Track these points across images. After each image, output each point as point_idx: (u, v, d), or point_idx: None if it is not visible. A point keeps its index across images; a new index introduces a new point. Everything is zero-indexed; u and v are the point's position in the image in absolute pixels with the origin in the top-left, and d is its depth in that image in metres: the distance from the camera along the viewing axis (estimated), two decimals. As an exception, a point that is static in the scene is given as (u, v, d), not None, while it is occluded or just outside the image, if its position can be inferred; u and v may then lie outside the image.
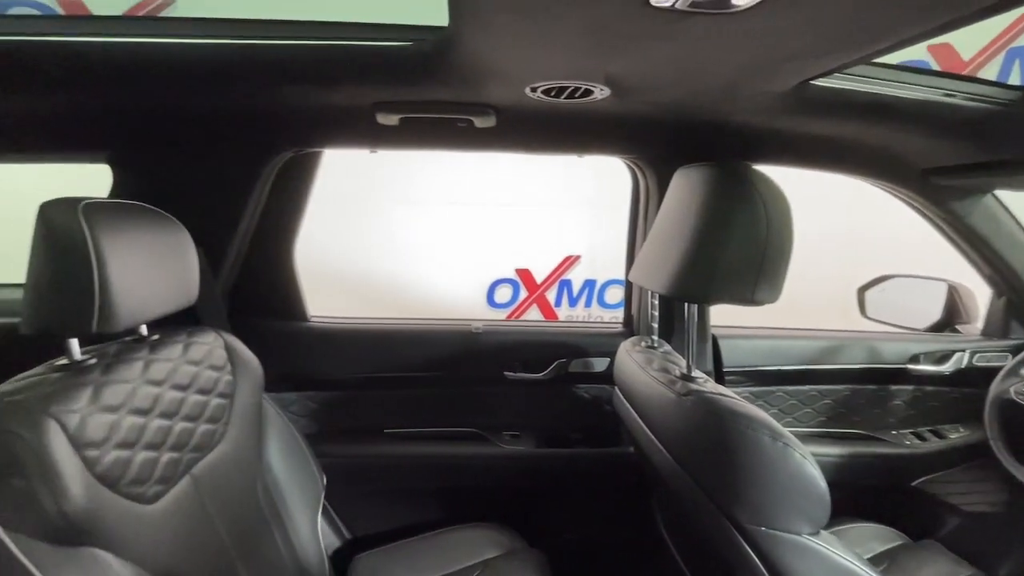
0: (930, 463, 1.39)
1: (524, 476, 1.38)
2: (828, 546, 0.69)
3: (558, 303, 3.20)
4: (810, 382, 1.45)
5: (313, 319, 1.38)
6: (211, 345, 0.98)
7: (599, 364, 1.39)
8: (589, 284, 3.22)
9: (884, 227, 2.41)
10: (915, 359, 1.41)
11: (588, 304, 3.23)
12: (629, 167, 1.30)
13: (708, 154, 1.04)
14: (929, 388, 1.43)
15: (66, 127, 1.10)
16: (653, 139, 1.16)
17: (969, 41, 2.44)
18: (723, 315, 1.29)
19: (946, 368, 1.38)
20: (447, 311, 2.97)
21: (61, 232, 0.70)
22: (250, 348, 1.03)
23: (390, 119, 0.97)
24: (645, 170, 1.24)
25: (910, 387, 1.44)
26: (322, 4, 0.99)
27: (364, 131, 1.08)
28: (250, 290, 1.27)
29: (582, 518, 1.42)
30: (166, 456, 0.82)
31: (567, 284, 3.23)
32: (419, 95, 0.92)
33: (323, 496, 1.17)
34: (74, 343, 0.76)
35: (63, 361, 0.76)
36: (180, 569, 0.78)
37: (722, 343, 1.40)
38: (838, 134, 1.05)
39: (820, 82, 0.81)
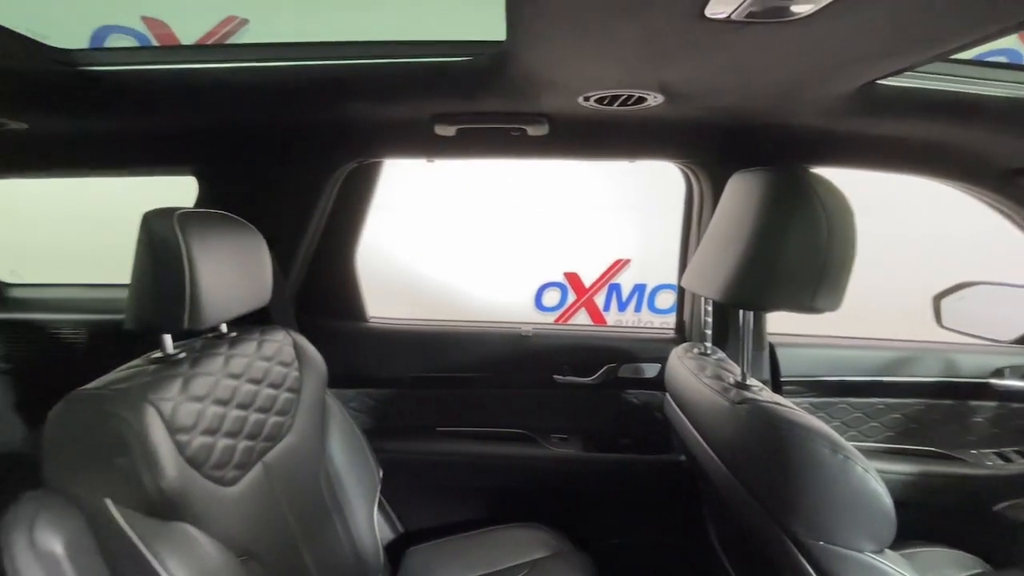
0: (1016, 486, 1.28)
1: (572, 479, 1.38)
2: (894, 567, 0.66)
3: (607, 307, 3.17)
4: (878, 395, 1.37)
5: (372, 320, 1.45)
6: (281, 343, 1.06)
7: (650, 370, 1.38)
8: (639, 288, 3.17)
9: (966, 231, 2.23)
10: (999, 373, 1.30)
11: (638, 309, 3.18)
12: (682, 171, 1.28)
13: (766, 158, 1.01)
14: (1015, 405, 1.32)
15: (159, 145, 1.22)
16: (707, 143, 1.15)
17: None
18: (784, 324, 1.24)
19: None
20: (494, 314, 3.01)
21: (159, 239, 0.79)
22: (314, 346, 1.10)
23: (447, 130, 1.02)
24: (699, 174, 1.22)
25: (993, 403, 1.33)
26: (385, 22, 1.05)
27: (422, 142, 1.13)
28: (315, 292, 1.35)
29: (630, 524, 1.41)
30: (242, 444, 0.89)
31: (616, 288, 3.19)
32: (475, 107, 0.96)
33: (379, 489, 1.23)
34: (167, 338, 0.85)
35: (158, 354, 0.85)
36: (253, 548, 0.85)
37: (780, 351, 1.35)
38: (910, 134, 1.00)
39: (889, 81, 0.78)
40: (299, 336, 1.11)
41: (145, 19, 2.55)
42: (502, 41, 0.73)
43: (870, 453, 1.37)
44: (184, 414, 0.77)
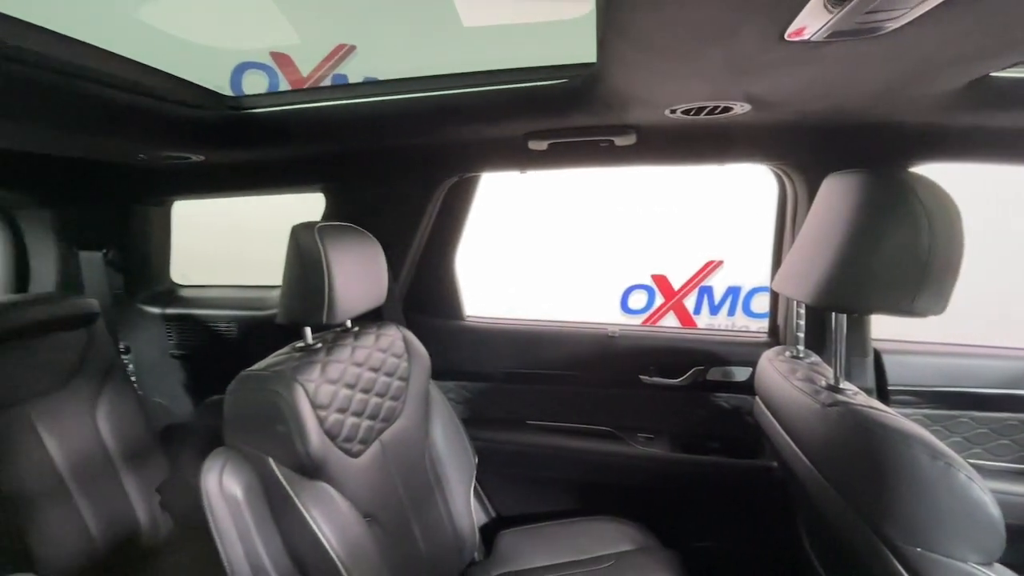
0: None
1: (659, 477, 1.41)
2: (1002, 579, 0.63)
3: (697, 310, 3.08)
4: (1010, 409, 1.24)
5: (469, 318, 1.58)
6: (393, 337, 1.21)
7: (740, 373, 1.37)
8: (733, 291, 3.05)
9: None
10: None
11: (732, 312, 3.06)
12: (775, 173, 1.26)
13: (864, 157, 0.98)
14: None
15: (296, 168, 1.44)
16: (799, 145, 1.13)
17: None
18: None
19: None
20: (578, 317, 3.05)
21: (304, 247, 0.96)
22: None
23: (539, 145, 1.11)
24: (792, 176, 1.20)
25: None
26: (484, 49, 1.16)
27: (517, 156, 1.23)
28: (420, 293, 1.51)
29: (718, 527, 1.40)
30: (365, 422, 1.05)
31: (707, 291, 3.10)
32: (565, 123, 1.04)
33: (475, 474, 1.34)
34: (308, 331, 1.02)
35: (301, 344, 1.03)
36: (374, 512, 0.99)
37: (887, 359, 1.27)
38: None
39: (1004, 73, 0.74)
40: (407, 331, 1.25)
41: (272, 53, 2.92)
42: (592, 63, 0.80)
43: (999, 473, 1.25)
44: (323, 394, 0.93)
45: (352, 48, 2.83)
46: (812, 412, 0.81)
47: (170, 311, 1.66)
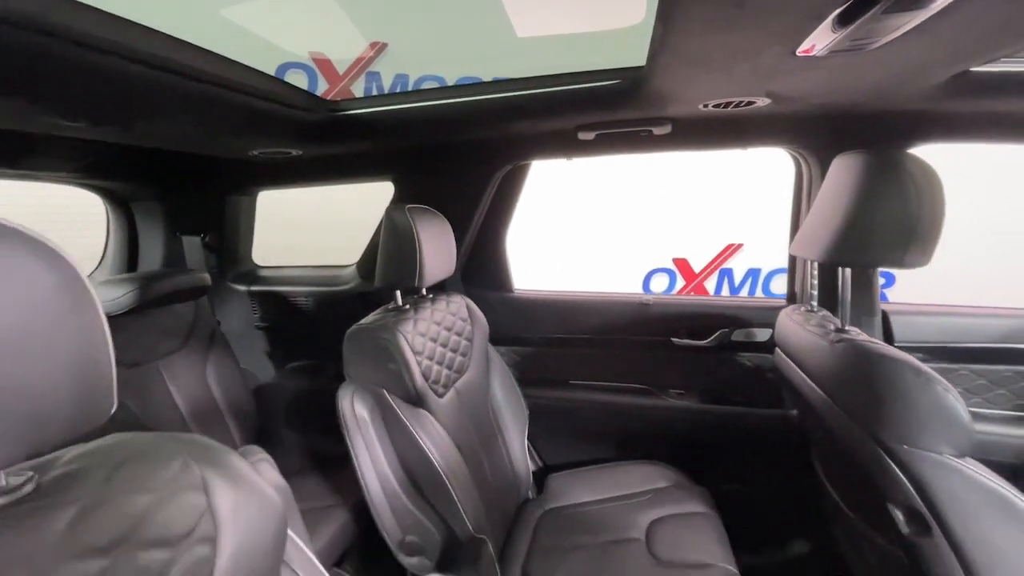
0: None
1: (689, 426, 1.60)
2: (973, 468, 0.81)
3: (718, 292, 3.22)
4: (1006, 362, 1.40)
5: (517, 290, 1.78)
6: (459, 304, 1.42)
7: (762, 335, 1.55)
8: (753, 273, 3.18)
9: None
10: None
11: (752, 293, 3.20)
12: (792, 156, 1.44)
13: (867, 140, 1.16)
14: None
15: (371, 160, 1.65)
16: (813, 131, 1.30)
17: None
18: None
19: None
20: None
21: (400, 224, 1.17)
22: None
23: (587, 135, 1.30)
24: (807, 158, 1.37)
25: None
26: (538, 57, 1.35)
27: (566, 146, 1.43)
28: (476, 267, 1.72)
29: (743, 469, 1.59)
30: (445, 371, 1.26)
31: (728, 273, 3.23)
32: (612, 116, 1.23)
33: (527, 425, 1.55)
34: (399, 294, 1.23)
35: (392, 306, 1.24)
36: (459, 442, 1.20)
37: (894, 319, 1.44)
38: (1013, 109, 1.08)
39: (981, 68, 0.91)
40: (469, 300, 1.47)
41: (311, 53, 3.12)
42: (640, 67, 0.99)
43: (996, 419, 1.41)
44: (417, 343, 1.15)
45: (384, 45, 3.02)
46: (822, 349, 1.00)
47: (254, 288, 1.90)
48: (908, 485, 0.84)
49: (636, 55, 0.98)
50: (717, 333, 1.58)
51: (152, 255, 1.76)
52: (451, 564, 1.07)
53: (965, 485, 0.81)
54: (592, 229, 3.23)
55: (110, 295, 1.31)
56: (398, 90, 2.30)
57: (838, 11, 0.58)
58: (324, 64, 3.17)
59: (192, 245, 1.76)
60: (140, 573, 0.41)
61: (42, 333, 0.37)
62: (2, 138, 1.15)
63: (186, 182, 1.68)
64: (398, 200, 1.66)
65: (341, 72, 2.95)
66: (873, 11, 0.55)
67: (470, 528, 1.05)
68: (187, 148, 1.40)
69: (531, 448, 1.71)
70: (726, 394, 1.60)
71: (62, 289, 0.38)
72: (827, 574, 1.52)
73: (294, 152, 1.47)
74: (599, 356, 1.71)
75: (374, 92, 2.61)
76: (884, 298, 1.46)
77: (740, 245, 3.12)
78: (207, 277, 1.57)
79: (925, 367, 0.85)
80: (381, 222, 1.75)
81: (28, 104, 0.89)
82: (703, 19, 0.63)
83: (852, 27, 0.61)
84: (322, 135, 1.36)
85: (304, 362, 1.93)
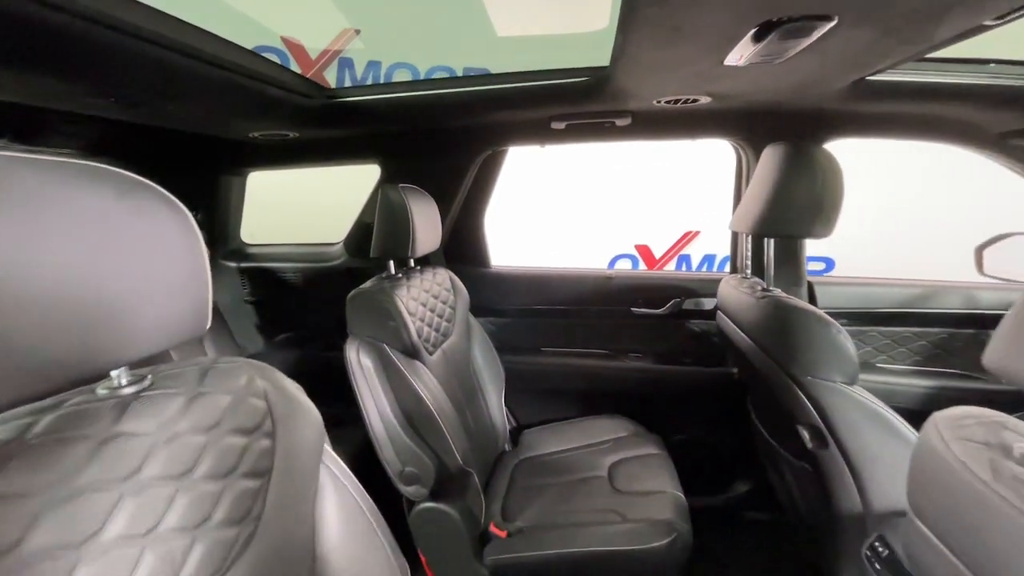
0: None
1: (645, 385, 1.82)
2: (858, 393, 1.05)
3: (676, 276, 3.43)
4: (906, 324, 1.67)
5: (494, 266, 1.95)
6: (443, 276, 1.58)
7: (708, 303, 1.78)
8: (708, 259, 3.43)
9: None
10: None
11: (707, 277, 3.42)
12: (733, 147, 1.66)
13: (793, 133, 1.38)
14: None
15: (359, 143, 1.78)
16: (748, 125, 1.52)
17: None
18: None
19: None
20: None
21: (395, 200, 1.31)
22: None
23: (559, 125, 1.48)
24: (745, 149, 1.60)
25: None
26: (513, 55, 1.51)
27: (540, 134, 1.60)
28: (457, 245, 1.88)
29: (692, 420, 1.82)
30: (433, 333, 1.42)
31: (686, 259, 3.47)
32: (580, 109, 1.41)
33: (504, 387, 1.73)
34: (392, 264, 1.38)
35: (385, 275, 1.39)
36: (449, 394, 1.37)
37: (818, 288, 1.69)
38: (906, 111, 1.32)
39: (875, 78, 1.13)
40: (451, 273, 1.63)
41: (284, 38, 3.17)
42: (606, 67, 1.17)
43: (898, 372, 1.68)
44: (411, 305, 1.31)
45: (356, 32, 3.10)
46: (751, 305, 1.22)
47: (244, 265, 1.99)
48: (811, 408, 1.07)
49: (602, 56, 1.16)
50: (670, 303, 1.80)
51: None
52: (443, 493, 1.24)
53: (852, 406, 1.04)
54: (561, 217, 3.40)
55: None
56: (369, 78, 2.42)
57: (749, 34, 0.77)
58: (296, 49, 3.21)
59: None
60: (227, 451, 0.57)
61: (167, 257, 0.51)
62: (3, 115, 1.23)
63: (179, 161, 1.77)
64: (384, 179, 1.80)
65: (314, 58, 3.02)
66: (772, 36, 0.75)
67: (459, 460, 1.23)
68: (194, 128, 1.49)
69: (507, 409, 1.90)
70: (677, 356, 1.82)
71: (181, 228, 0.53)
72: (762, 507, 1.78)
73: (291, 135, 1.59)
74: (567, 325, 1.91)
75: (347, 78, 2.72)
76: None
77: (697, 232, 3.37)
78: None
79: (825, 316, 1.08)
80: (367, 202, 1.90)
81: (62, 84, 0.99)
82: (652, 36, 0.82)
83: (761, 45, 0.81)
84: (319, 120, 1.48)
85: (292, 334, 2.05)
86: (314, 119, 1.47)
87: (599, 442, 1.68)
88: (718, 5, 0.67)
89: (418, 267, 1.53)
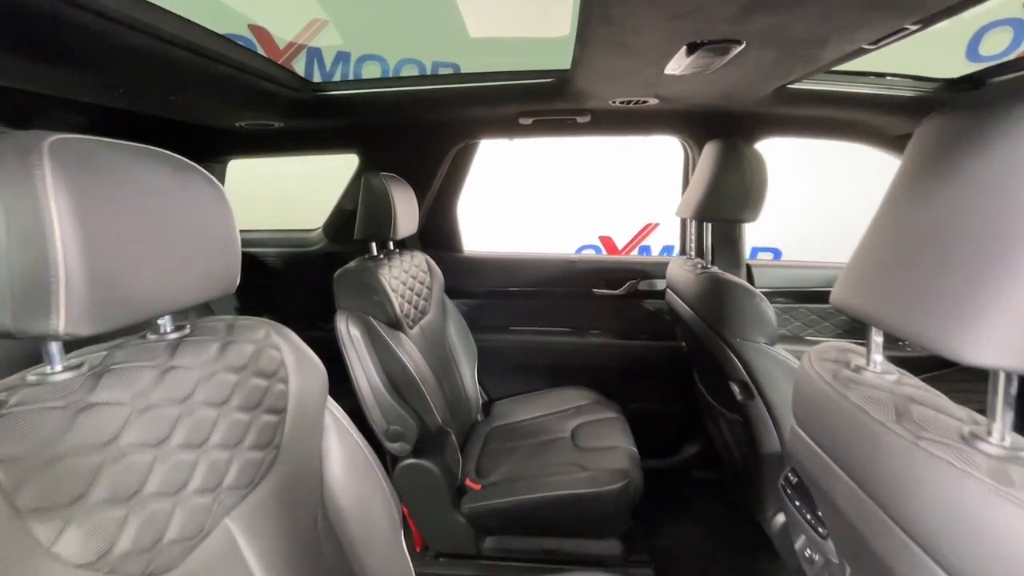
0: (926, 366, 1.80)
1: (604, 359, 2.00)
2: (778, 352, 1.25)
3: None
4: (828, 301, 1.91)
5: (466, 251, 2.09)
6: (420, 259, 1.72)
7: (660, 284, 1.97)
8: (667, 249, 3.65)
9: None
10: None
11: (667, 267, 3.65)
12: (681, 143, 1.85)
13: (730, 132, 1.57)
14: None
15: (340, 134, 1.88)
16: (692, 124, 1.72)
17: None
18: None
19: None
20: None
21: (377, 186, 1.44)
22: None
23: (527, 120, 1.63)
24: (691, 145, 1.80)
25: None
26: (482, 54, 1.65)
27: (510, 128, 1.75)
28: (432, 231, 2.01)
29: (647, 390, 2.02)
30: (412, 310, 1.56)
31: (646, 250, 3.68)
32: (545, 107, 1.56)
33: (476, 362, 1.88)
34: (374, 246, 1.51)
35: (368, 256, 1.51)
36: (430, 364, 1.50)
37: (755, 271, 1.91)
38: (822, 115, 1.54)
39: (794, 86, 1.33)
40: (428, 257, 1.76)
41: (251, 27, 3.20)
42: (567, 70, 1.33)
43: (822, 342, 1.91)
44: (392, 284, 1.44)
45: (325, 22, 3.14)
46: (693, 280, 1.41)
47: None
48: (740, 365, 1.26)
49: (564, 60, 1.32)
50: (627, 284, 1.99)
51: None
52: (424, 451, 1.38)
53: (773, 363, 1.24)
54: (529, 211, 3.56)
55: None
56: (338, 72, 2.51)
57: (681, 50, 0.94)
58: (264, 38, 3.22)
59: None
60: (252, 389, 0.70)
61: (208, 224, 0.64)
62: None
63: (161, 147, 1.82)
64: (363, 168, 1.91)
65: (281, 48, 3.06)
66: (699, 52, 0.92)
67: (438, 420, 1.37)
68: (183, 117, 1.57)
69: (479, 384, 2.05)
70: (633, 332, 2.02)
71: (218, 201, 0.65)
72: (707, 467, 1.99)
73: (276, 124, 1.68)
74: (534, 305, 2.07)
75: (315, 70, 2.79)
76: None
77: (657, 224, 3.59)
78: None
79: (752, 287, 1.27)
80: (345, 190, 2.00)
81: (69, 74, 1.08)
82: (604, 48, 0.98)
83: (692, 59, 0.98)
84: (305, 111, 1.58)
85: (274, 316, 2.13)
86: (301, 111, 1.57)
87: (563, 410, 1.86)
88: (653, 29, 0.84)
89: (397, 250, 1.66)
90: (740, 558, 1.61)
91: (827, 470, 0.64)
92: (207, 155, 1.94)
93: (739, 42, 0.88)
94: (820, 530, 0.99)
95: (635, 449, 1.54)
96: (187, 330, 0.67)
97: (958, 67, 1.33)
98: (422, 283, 1.68)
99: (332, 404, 0.85)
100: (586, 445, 1.60)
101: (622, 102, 1.45)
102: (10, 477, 0.43)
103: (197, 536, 0.57)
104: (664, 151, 3.37)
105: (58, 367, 0.52)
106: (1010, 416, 0.45)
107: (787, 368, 1.24)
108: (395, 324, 1.39)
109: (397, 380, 1.35)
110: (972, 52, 2.11)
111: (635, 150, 3.39)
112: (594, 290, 2.02)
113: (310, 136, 1.89)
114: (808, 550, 1.13)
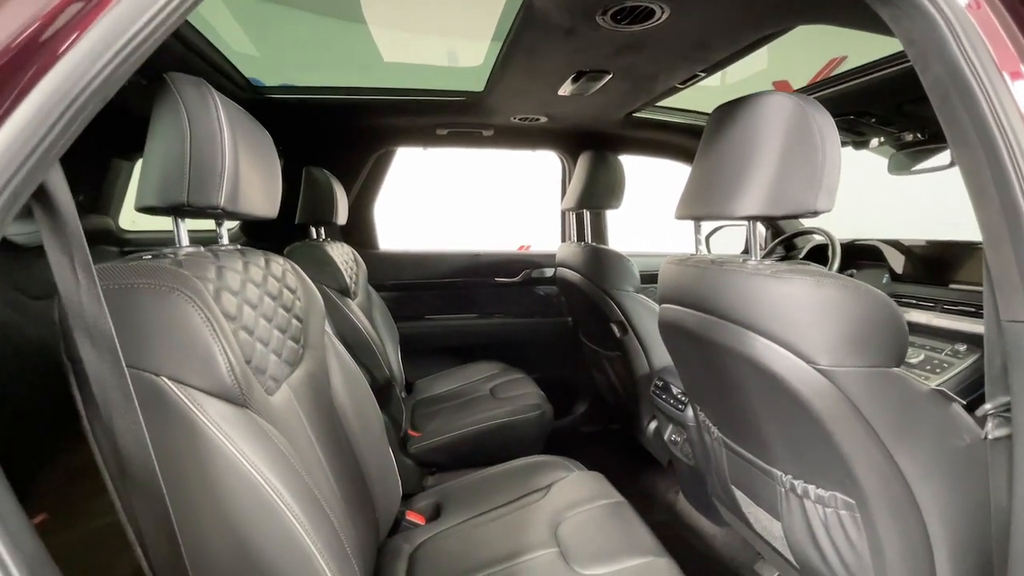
0: None
1: (507, 335, 2.37)
2: (642, 297, 1.73)
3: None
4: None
5: (381, 248, 2.33)
6: (347, 250, 1.94)
7: (549, 272, 2.42)
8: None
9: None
10: None
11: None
12: (559, 158, 2.37)
13: (599, 145, 2.10)
14: None
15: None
16: (570, 140, 2.25)
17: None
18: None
19: None
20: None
21: (320, 179, 1.66)
22: None
23: (442, 131, 1.99)
24: (567, 159, 2.32)
25: None
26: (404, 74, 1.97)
27: (426, 138, 2.08)
28: (352, 228, 2.22)
29: (541, 358, 2.42)
30: (352, 286, 1.77)
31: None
32: (458, 120, 1.94)
33: (399, 346, 2.11)
34: (313, 231, 1.71)
35: (309, 240, 1.71)
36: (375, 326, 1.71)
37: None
38: (656, 137, 2.17)
39: (637, 114, 1.90)
40: (353, 249, 1.99)
41: None
42: (480, 91, 1.72)
43: None
44: (337, 261, 1.65)
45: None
46: (579, 253, 1.86)
47: (128, 250, 2.02)
48: (616, 308, 1.72)
49: (472, 81, 1.71)
50: (522, 273, 2.40)
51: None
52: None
53: (639, 305, 1.71)
54: (451, 224, 3.86)
55: (28, 228, 1.44)
56: None
57: (571, 76, 1.39)
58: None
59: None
60: (287, 297, 0.92)
61: (269, 160, 0.88)
62: None
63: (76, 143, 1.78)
64: (286, 172, 2.07)
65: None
66: (582, 79, 1.38)
67: (387, 374, 1.60)
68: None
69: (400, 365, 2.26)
70: (528, 312, 2.42)
71: (269, 141, 0.90)
72: (595, 423, 2.43)
73: None
74: (445, 295, 2.37)
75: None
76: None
77: (529, 246, 4.13)
78: (109, 221, 1.73)
79: (621, 252, 1.76)
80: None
81: None
82: (520, 71, 1.39)
83: (578, 84, 1.44)
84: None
85: None
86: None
87: (478, 379, 2.16)
88: (559, 58, 1.27)
89: (328, 238, 1.86)
90: (624, 474, 2.05)
91: (682, 315, 1.05)
92: (118, 151, 1.93)
93: (609, 72, 1.36)
94: (679, 407, 1.44)
95: (543, 394, 1.91)
96: (238, 245, 0.89)
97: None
98: (351, 270, 1.89)
99: (329, 328, 1.08)
100: (503, 395, 1.93)
101: (520, 119, 1.89)
102: (209, 287, 0.65)
103: (279, 381, 0.79)
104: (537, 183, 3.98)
105: (185, 242, 0.73)
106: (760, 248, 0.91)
107: (648, 308, 1.73)
108: (345, 291, 1.60)
109: (349, 339, 1.55)
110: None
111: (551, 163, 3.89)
112: (496, 279, 2.39)
113: None
114: (674, 436, 1.60)
